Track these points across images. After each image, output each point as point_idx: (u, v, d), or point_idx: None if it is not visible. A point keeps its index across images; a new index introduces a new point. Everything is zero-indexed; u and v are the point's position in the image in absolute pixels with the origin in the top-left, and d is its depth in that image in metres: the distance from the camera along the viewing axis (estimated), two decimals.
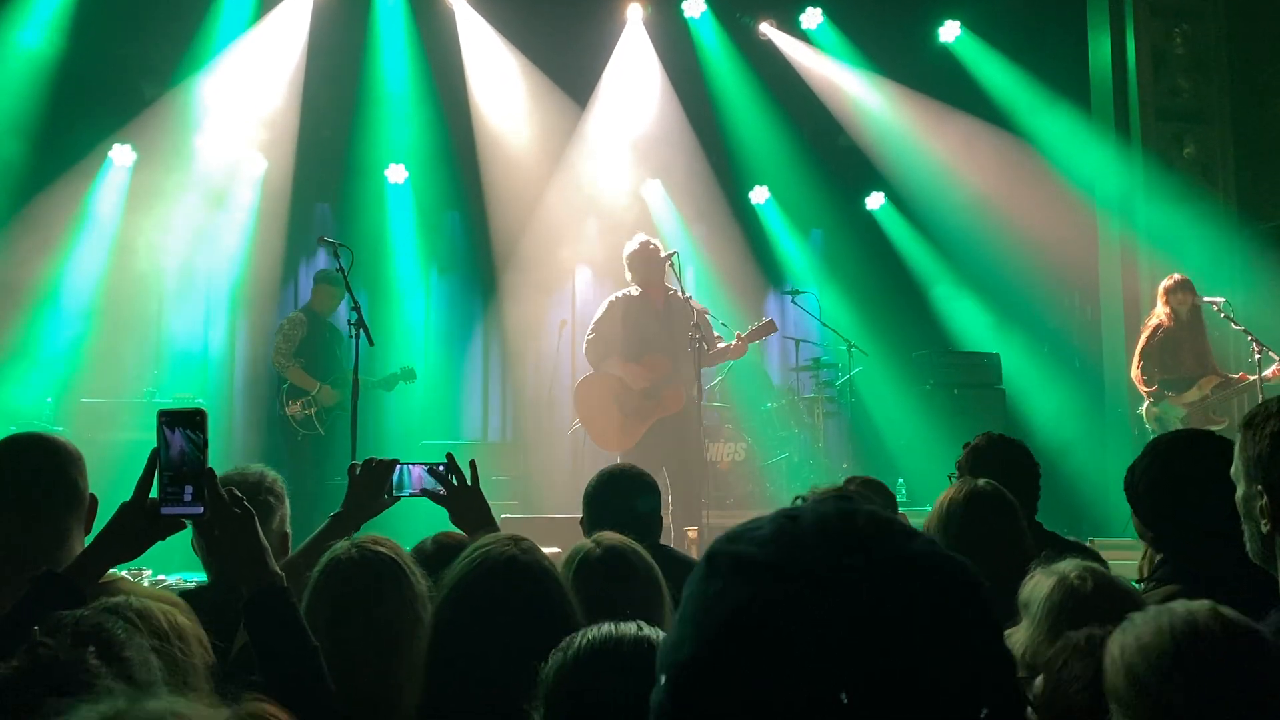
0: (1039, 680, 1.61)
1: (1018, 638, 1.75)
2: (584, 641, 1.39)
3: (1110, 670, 1.38)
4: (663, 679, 0.71)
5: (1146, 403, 7.15)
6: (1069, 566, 1.85)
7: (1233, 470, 1.83)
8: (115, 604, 1.61)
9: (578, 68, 9.31)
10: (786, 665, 0.65)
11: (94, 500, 2.23)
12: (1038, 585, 1.83)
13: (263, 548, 1.85)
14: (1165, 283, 7.16)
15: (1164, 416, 7.02)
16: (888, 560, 0.69)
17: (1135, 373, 7.19)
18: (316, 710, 1.74)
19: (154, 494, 1.82)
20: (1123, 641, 1.37)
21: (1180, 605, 1.38)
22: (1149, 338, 7.15)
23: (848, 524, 0.71)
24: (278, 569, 1.88)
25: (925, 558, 0.70)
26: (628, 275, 6.60)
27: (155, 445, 1.81)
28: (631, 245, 6.60)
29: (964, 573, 0.71)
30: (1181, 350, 7.06)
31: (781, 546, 0.70)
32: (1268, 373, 6.67)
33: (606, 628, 1.40)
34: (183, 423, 1.81)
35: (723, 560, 0.72)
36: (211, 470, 1.83)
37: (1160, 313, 7.14)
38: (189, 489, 1.80)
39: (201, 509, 1.81)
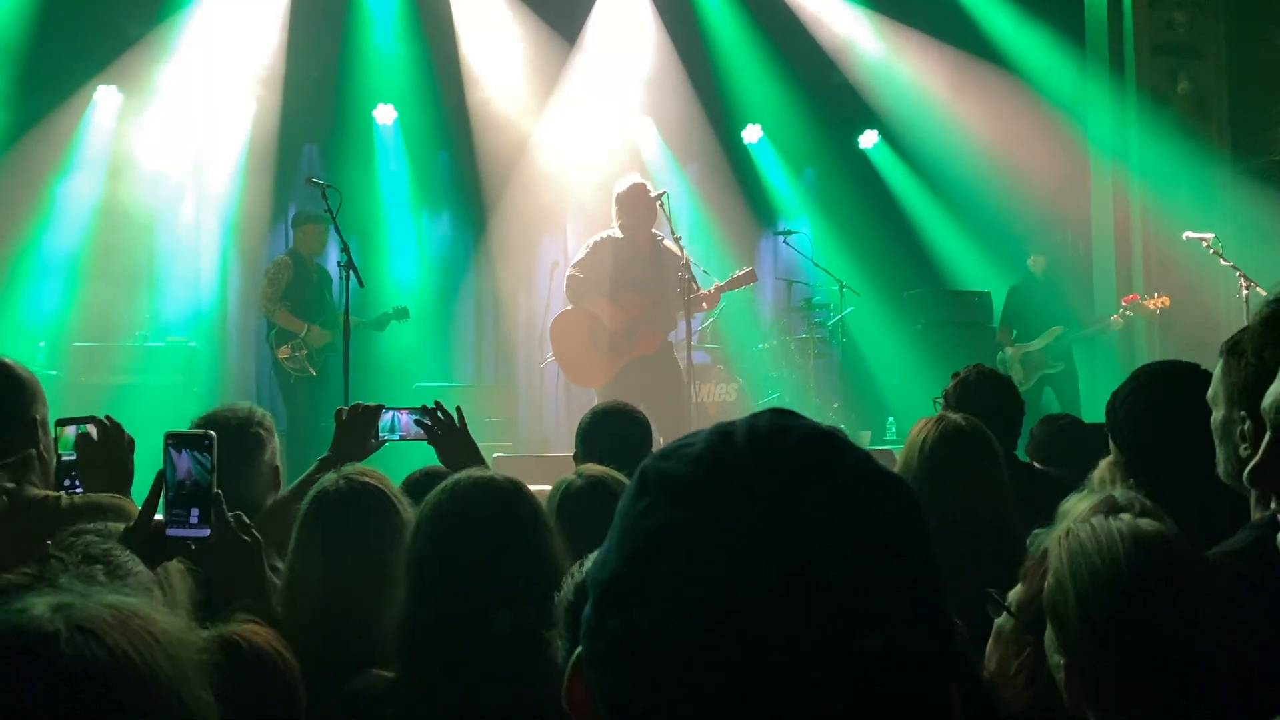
0: (1016, 589, 1.62)
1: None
2: None
3: (1062, 584, 1.38)
4: (590, 595, 0.70)
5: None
6: (1122, 492, 1.84)
7: (1210, 394, 1.87)
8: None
9: (567, 4, 9.18)
10: (704, 585, 0.63)
11: (44, 424, 2.19)
12: (1080, 501, 1.82)
13: (264, 579, 1.86)
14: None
15: (1005, 362, 8.01)
16: (817, 477, 0.66)
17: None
18: None
19: (160, 515, 1.81)
20: (1077, 556, 1.38)
21: (1125, 521, 1.40)
22: (1007, 298, 8.29)
23: (779, 439, 0.68)
24: (276, 606, 1.88)
25: (858, 475, 0.67)
26: (614, 215, 6.42)
27: (161, 466, 1.80)
28: (621, 185, 6.42)
29: (898, 489, 0.68)
30: (1033, 306, 8.06)
31: (709, 464, 0.67)
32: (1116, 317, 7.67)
33: None
34: (190, 444, 1.80)
35: (652, 477, 0.69)
36: (219, 493, 1.82)
37: (1022, 274, 8.27)
38: (195, 511, 1.79)
39: (208, 531, 1.79)
